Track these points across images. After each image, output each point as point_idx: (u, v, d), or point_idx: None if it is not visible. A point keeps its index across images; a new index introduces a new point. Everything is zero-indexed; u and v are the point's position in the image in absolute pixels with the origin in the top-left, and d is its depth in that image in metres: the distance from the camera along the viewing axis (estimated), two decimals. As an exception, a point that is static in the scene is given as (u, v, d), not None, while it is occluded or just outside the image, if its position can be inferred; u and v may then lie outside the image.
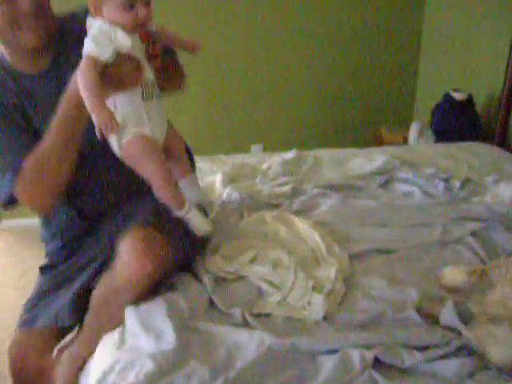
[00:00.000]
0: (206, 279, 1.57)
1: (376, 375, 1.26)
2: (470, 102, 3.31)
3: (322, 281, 1.59)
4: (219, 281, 1.61)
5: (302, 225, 1.86)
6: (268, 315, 1.51)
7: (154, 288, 1.47)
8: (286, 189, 2.21)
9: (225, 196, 2.14)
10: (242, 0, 3.66)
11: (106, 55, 1.29)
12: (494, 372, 1.29)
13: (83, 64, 1.29)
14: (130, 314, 1.41)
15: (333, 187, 2.31)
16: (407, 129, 3.88)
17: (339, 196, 2.22)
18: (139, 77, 1.35)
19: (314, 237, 1.79)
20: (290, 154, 2.60)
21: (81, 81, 1.28)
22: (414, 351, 1.32)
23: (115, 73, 1.31)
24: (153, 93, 1.41)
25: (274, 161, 2.54)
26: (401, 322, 1.47)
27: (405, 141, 3.64)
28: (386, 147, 3.05)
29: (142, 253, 1.35)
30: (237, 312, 1.48)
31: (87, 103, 1.26)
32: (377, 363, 1.31)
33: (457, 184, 2.35)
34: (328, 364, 1.29)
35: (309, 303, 1.52)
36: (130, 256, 1.36)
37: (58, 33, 1.52)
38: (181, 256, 1.55)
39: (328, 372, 1.26)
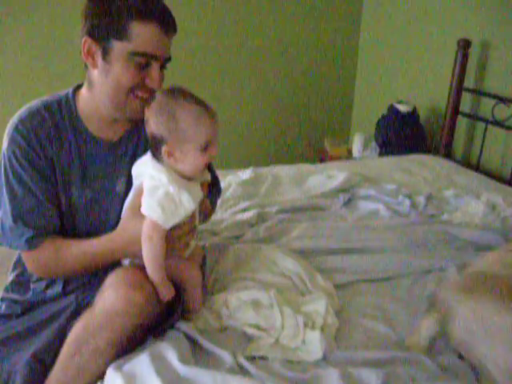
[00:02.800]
0: (187, 328, 1.38)
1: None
2: (414, 114, 3.31)
3: (311, 316, 1.44)
4: (201, 332, 1.42)
5: (277, 254, 1.71)
6: (263, 358, 1.34)
7: (131, 343, 1.29)
8: (250, 215, 2.05)
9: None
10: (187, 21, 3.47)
11: (171, 224, 1.28)
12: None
13: (150, 229, 1.28)
14: (114, 376, 1.20)
15: (297, 209, 2.18)
16: (347, 141, 3.87)
17: (306, 219, 2.09)
18: (191, 237, 1.39)
19: (293, 267, 1.65)
20: (247, 174, 2.45)
21: (148, 249, 1.28)
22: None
23: (171, 237, 1.32)
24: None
25: (231, 181, 2.38)
26: (406, 359, 1.35)
27: (349, 153, 3.59)
28: (338, 162, 2.97)
29: (131, 285, 1.25)
30: (227, 356, 1.31)
31: (153, 275, 1.30)
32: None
33: (421, 200, 2.30)
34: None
35: (303, 342, 1.37)
36: (116, 288, 1.25)
37: None
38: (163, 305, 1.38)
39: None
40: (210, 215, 1.61)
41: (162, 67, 1.38)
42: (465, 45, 2.96)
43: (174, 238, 1.33)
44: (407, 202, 2.28)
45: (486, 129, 2.94)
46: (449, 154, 3.18)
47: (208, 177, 1.44)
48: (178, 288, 1.42)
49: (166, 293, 1.32)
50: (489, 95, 2.93)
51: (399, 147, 3.33)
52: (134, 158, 1.46)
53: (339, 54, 3.97)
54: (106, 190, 1.47)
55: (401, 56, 3.63)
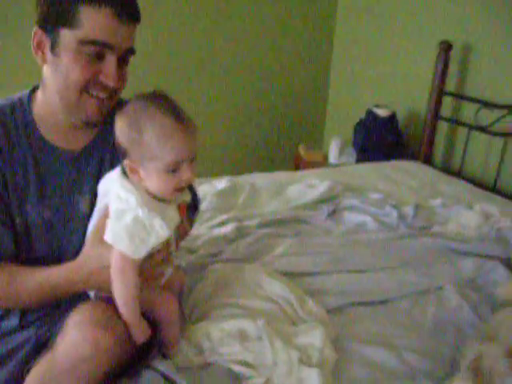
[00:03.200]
0: (165, 367, 1.19)
1: None
2: (393, 118, 3.18)
3: (306, 350, 1.27)
4: (181, 370, 1.23)
5: (262, 276, 1.53)
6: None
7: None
8: (228, 230, 1.87)
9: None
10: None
11: (142, 254, 1.09)
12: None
13: (119, 261, 1.09)
14: None
15: (279, 222, 2.01)
16: (322, 147, 3.73)
17: (290, 233, 1.92)
18: (167, 265, 1.20)
19: (281, 291, 1.47)
20: (223, 183, 2.27)
21: (120, 285, 1.10)
22: None
23: (143, 267, 1.13)
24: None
25: (206, 192, 2.19)
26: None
27: (325, 159, 3.44)
28: (317, 170, 2.82)
29: (98, 324, 1.06)
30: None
31: (126, 315, 1.11)
32: None
33: (409, 211, 2.16)
34: None
35: (299, 381, 1.20)
36: (81, 328, 1.06)
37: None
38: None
39: None
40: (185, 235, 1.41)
41: (123, 61, 1.19)
42: (446, 47, 2.84)
43: (146, 268, 1.14)
44: (394, 213, 2.13)
45: (468, 134, 2.84)
46: (429, 160, 3.06)
47: (187, 197, 1.24)
48: (153, 321, 1.22)
49: (141, 335, 1.14)
50: (472, 100, 2.82)
51: (377, 153, 3.20)
52: (100, 171, 1.27)
53: (313, 57, 3.82)
54: (68, 208, 1.27)
55: (379, 58, 3.50)
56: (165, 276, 1.22)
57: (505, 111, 2.63)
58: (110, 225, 1.09)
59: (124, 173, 1.13)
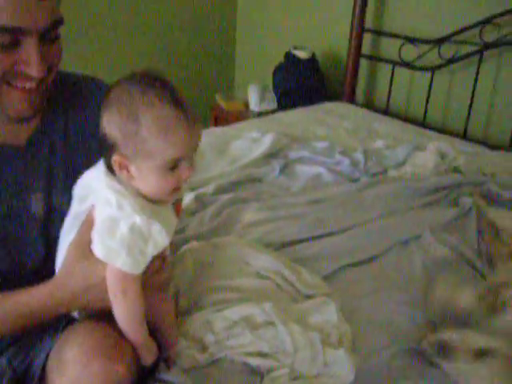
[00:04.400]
0: (175, 378, 1.04)
1: None
2: (313, 60, 3.08)
3: (323, 328, 1.17)
4: (188, 373, 1.08)
5: (245, 250, 1.39)
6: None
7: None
8: (186, 201, 1.69)
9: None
10: None
11: (142, 268, 0.92)
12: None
13: (119, 281, 0.91)
14: None
15: (233, 184, 1.88)
16: (238, 96, 3.57)
17: (249, 197, 1.79)
18: (163, 271, 1.02)
19: (270, 264, 1.35)
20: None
21: (124, 307, 0.92)
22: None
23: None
24: None
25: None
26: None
27: (246, 108, 3.30)
28: (251, 121, 2.68)
29: (104, 356, 0.88)
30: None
31: (134, 336, 0.95)
32: None
33: (359, 157, 2.10)
34: None
35: (325, 365, 1.10)
36: (86, 365, 0.87)
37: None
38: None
39: None
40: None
41: (49, 38, 0.94)
42: (364, -18, 2.76)
43: (146, 277, 0.96)
44: (346, 160, 2.07)
45: (393, 71, 2.81)
46: (352, 100, 3.03)
47: (182, 194, 1.07)
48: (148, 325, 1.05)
49: (151, 356, 0.99)
50: (394, 36, 2.78)
51: (299, 96, 3.11)
52: (52, 163, 1.05)
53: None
54: (17, 212, 1.03)
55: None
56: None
57: (427, 46, 2.63)
58: (100, 238, 0.89)
59: (109, 170, 0.94)
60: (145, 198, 0.93)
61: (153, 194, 0.93)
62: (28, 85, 0.93)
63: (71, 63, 1.38)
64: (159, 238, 0.91)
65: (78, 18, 2.97)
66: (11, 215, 1.02)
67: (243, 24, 3.69)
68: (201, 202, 1.72)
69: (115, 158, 0.90)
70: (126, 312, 0.92)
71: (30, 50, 0.89)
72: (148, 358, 0.98)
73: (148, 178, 0.91)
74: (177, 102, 0.88)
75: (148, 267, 0.95)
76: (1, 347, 1.04)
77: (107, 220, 0.89)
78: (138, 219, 0.88)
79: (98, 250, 0.89)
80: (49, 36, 0.92)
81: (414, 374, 1.13)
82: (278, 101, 3.21)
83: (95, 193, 0.93)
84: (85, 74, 1.16)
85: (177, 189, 0.94)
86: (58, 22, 0.93)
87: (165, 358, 1.10)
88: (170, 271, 1.20)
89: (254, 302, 1.19)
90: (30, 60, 0.90)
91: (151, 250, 0.92)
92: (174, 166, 0.90)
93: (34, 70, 0.90)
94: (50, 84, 0.98)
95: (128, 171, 0.91)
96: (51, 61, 0.95)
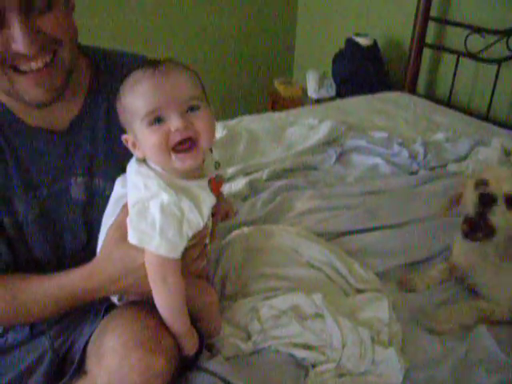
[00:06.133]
0: (218, 367, 1.03)
1: None
2: (375, 47, 3.00)
3: (373, 325, 1.14)
4: (231, 362, 1.07)
5: (297, 240, 1.37)
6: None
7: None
8: (239, 187, 1.68)
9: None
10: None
11: (180, 250, 0.89)
12: None
13: (157, 267, 0.89)
14: None
15: (288, 171, 1.85)
16: (296, 81, 3.52)
17: (303, 184, 1.77)
18: (202, 260, 1.00)
19: (322, 256, 1.32)
20: (219, 131, 2.06)
21: (164, 294, 0.91)
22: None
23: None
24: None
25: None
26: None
27: (304, 94, 3.26)
28: (308, 107, 2.65)
29: (145, 344, 0.88)
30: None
31: (176, 326, 0.93)
32: None
33: (419, 149, 2.04)
34: None
35: (373, 363, 1.08)
36: (125, 356, 0.86)
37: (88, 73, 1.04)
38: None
39: None
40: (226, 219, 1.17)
41: (37, 11, 0.86)
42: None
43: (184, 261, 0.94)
44: (405, 152, 2.01)
45: (457, 62, 2.71)
46: (414, 90, 2.93)
47: (212, 168, 1.01)
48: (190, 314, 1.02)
49: (193, 346, 0.97)
50: (459, 25, 2.67)
51: (359, 85, 3.03)
52: (94, 145, 1.04)
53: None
54: (59, 197, 1.03)
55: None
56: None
57: (495, 37, 2.51)
58: (133, 223, 0.88)
59: (140, 159, 0.93)
60: (172, 175, 0.90)
61: (154, 156, 0.89)
62: (34, 65, 0.88)
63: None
64: (192, 216, 0.88)
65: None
66: (52, 199, 1.02)
67: (304, 9, 3.63)
68: (254, 188, 1.71)
69: (124, 138, 0.92)
70: (166, 300, 0.91)
71: (11, 25, 0.83)
72: (190, 347, 0.97)
73: (143, 141, 0.88)
74: (147, 64, 0.88)
75: (188, 254, 0.93)
76: (43, 327, 1.06)
77: (137, 204, 0.88)
78: (165, 197, 0.86)
79: (131, 235, 0.88)
80: (35, 7, 0.85)
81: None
82: (337, 88, 3.16)
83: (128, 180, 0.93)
84: (130, 53, 1.14)
85: (177, 148, 0.87)
86: None
87: (207, 345, 1.10)
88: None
89: (303, 293, 1.17)
90: (15, 35, 0.84)
91: (186, 230, 0.89)
92: (158, 119, 0.86)
93: (20, 44, 0.84)
94: (69, 60, 0.93)
95: (136, 147, 0.91)
96: (51, 33, 0.88)
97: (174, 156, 0.87)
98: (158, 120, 0.86)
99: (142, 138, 0.88)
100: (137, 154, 0.92)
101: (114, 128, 1.01)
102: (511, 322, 1.23)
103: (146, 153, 0.90)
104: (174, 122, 0.85)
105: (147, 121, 0.86)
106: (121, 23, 3.05)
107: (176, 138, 0.86)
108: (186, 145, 0.86)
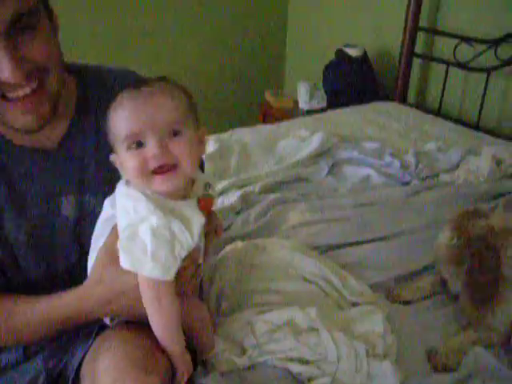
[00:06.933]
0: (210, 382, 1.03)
1: None
2: (365, 58, 3.02)
3: (369, 339, 1.14)
4: (226, 376, 1.07)
5: (291, 253, 1.37)
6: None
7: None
8: (232, 200, 1.68)
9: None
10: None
11: (173, 271, 0.87)
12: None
13: (151, 289, 0.88)
14: None
15: (280, 183, 1.86)
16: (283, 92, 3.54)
17: (295, 197, 1.77)
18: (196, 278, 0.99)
19: (317, 269, 1.32)
20: (210, 146, 2.06)
21: (159, 316, 0.90)
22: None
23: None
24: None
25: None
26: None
27: (295, 105, 3.27)
28: (300, 119, 2.65)
29: (136, 367, 0.86)
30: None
31: (171, 346, 0.92)
32: None
33: (411, 160, 2.05)
34: None
35: (369, 377, 1.07)
36: (118, 378, 0.84)
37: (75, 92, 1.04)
38: None
39: None
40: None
41: (22, 32, 0.84)
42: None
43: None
44: (396, 162, 2.02)
45: (447, 71, 2.73)
46: (404, 100, 2.95)
47: (202, 188, 0.98)
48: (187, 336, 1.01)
49: (186, 367, 0.95)
50: (448, 35, 2.70)
51: (350, 95, 3.05)
52: (84, 162, 1.04)
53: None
54: (49, 216, 1.01)
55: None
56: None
57: (483, 46, 2.53)
58: (124, 248, 0.86)
59: (128, 181, 0.92)
60: (161, 196, 0.88)
61: (134, 178, 0.88)
62: (21, 92, 0.87)
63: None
64: (182, 237, 0.86)
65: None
66: (43, 219, 1.01)
67: (294, 20, 3.66)
68: (246, 201, 1.71)
69: (111, 158, 0.92)
70: (161, 320, 0.90)
71: None
72: (184, 369, 0.95)
73: (124, 164, 0.88)
74: (137, 86, 0.87)
75: (181, 275, 0.91)
76: (36, 348, 1.05)
77: (127, 229, 0.86)
78: (154, 220, 0.84)
79: (123, 260, 0.86)
80: (19, 26, 0.83)
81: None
82: (328, 99, 3.17)
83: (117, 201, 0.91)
84: (117, 68, 1.12)
85: (157, 171, 0.86)
86: (30, 12, 0.84)
87: (202, 361, 1.09)
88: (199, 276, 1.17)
89: (297, 307, 1.17)
90: (1, 64, 0.82)
91: (178, 251, 0.87)
92: (138, 143, 0.85)
93: (6, 72, 0.82)
94: (56, 85, 0.92)
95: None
96: (37, 60, 0.87)
97: (154, 178, 0.86)
98: (138, 144, 0.85)
99: (123, 160, 0.88)
100: (123, 174, 0.91)
101: (104, 145, 1.00)
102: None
103: (127, 175, 0.90)
104: (151, 148, 0.84)
105: (127, 144, 0.86)
106: (107, 37, 3.06)
107: (153, 164, 0.85)
108: (164, 169, 0.86)
